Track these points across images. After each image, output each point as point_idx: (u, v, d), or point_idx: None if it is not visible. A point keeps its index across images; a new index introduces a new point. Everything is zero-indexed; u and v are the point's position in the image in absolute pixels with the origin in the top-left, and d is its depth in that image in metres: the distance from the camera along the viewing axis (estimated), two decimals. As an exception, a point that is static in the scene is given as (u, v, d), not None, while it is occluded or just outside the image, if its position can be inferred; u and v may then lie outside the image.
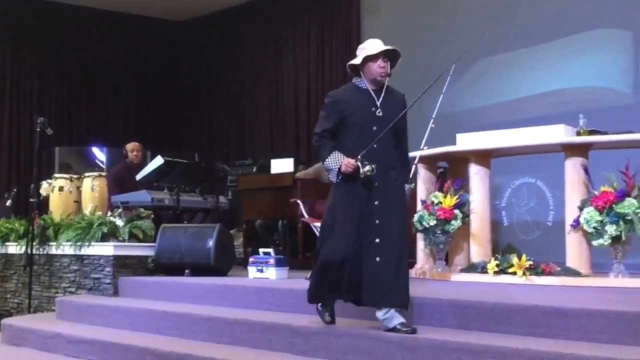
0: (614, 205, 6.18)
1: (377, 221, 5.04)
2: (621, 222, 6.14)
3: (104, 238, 8.11)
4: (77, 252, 8.31)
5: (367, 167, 4.94)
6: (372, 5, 12.38)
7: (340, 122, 5.17)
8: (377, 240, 5.02)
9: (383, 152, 5.10)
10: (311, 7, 13.19)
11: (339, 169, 5.07)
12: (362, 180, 4.99)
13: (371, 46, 5.25)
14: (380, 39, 12.73)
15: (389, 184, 5.13)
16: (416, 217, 7.28)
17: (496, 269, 6.70)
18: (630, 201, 6.15)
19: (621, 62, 9.48)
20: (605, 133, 6.74)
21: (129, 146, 9.91)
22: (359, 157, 4.96)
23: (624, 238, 6.21)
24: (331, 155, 5.12)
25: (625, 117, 8.20)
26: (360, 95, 5.23)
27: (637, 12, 9.33)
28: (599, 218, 6.25)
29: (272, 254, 7.67)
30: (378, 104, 5.18)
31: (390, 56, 5.25)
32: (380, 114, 5.15)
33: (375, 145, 5.00)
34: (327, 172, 5.23)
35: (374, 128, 5.10)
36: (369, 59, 5.19)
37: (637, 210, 6.11)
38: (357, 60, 5.23)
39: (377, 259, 4.99)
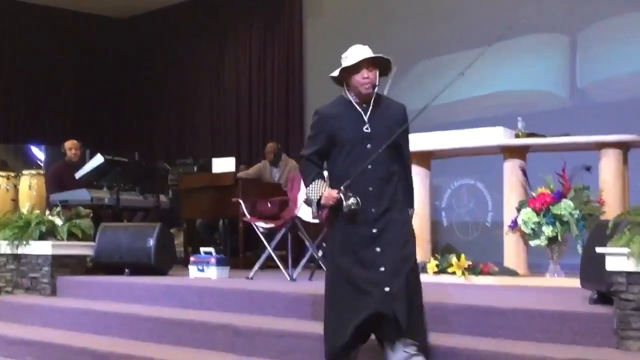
0: (550, 207, 6.31)
1: (382, 269, 4.35)
2: (557, 223, 6.28)
3: (42, 237, 7.96)
4: (14, 251, 8.14)
5: (352, 200, 4.33)
6: (314, 7, 12.41)
7: (330, 141, 4.55)
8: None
9: (379, 177, 4.47)
10: (254, 7, 13.18)
11: (319, 200, 4.49)
12: (346, 214, 4.38)
13: (352, 55, 4.54)
14: (322, 40, 12.82)
15: (389, 220, 4.45)
16: (358, 217, 7.34)
17: (436, 269, 6.79)
18: (566, 203, 6.28)
19: (558, 66, 9.67)
20: (543, 136, 6.87)
21: (68, 144, 9.79)
22: (341, 187, 4.37)
23: (560, 239, 6.35)
24: (313, 183, 4.54)
25: (562, 120, 8.37)
26: (348, 109, 4.58)
27: (573, 18, 9.51)
28: (536, 219, 6.37)
29: (213, 253, 7.67)
30: (366, 119, 4.52)
31: (377, 64, 4.58)
32: (369, 130, 4.49)
33: (370, 167, 4.40)
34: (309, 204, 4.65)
35: (368, 146, 4.46)
36: (350, 70, 4.53)
37: (573, 212, 6.24)
38: (335, 73, 4.61)
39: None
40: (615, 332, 4.34)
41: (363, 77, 4.50)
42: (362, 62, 4.50)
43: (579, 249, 5.97)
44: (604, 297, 4.68)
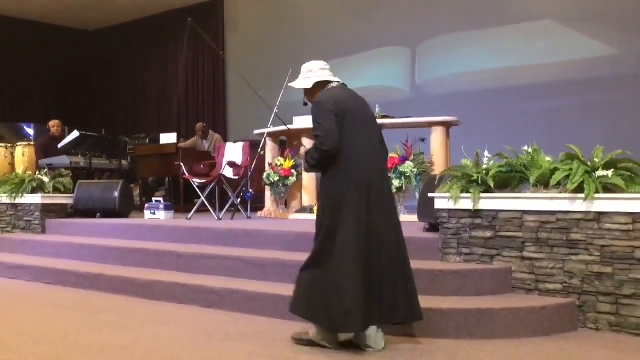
0: (398, 166, 6.43)
1: None
2: (403, 178, 6.41)
3: (33, 191, 7.75)
4: (13, 202, 7.89)
5: None
6: (232, 23, 12.30)
7: None
8: None
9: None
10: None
11: None
12: None
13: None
14: (239, 50, 12.59)
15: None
16: (265, 174, 7.38)
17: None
18: (408, 164, 6.42)
19: (403, 69, 9.88)
20: (393, 117, 7.00)
21: (51, 123, 9.51)
22: None
23: (404, 188, 6.48)
24: None
25: (406, 107, 8.53)
26: None
27: (413, 35, 9.71)
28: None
29: (162, 201, 7.59)
30: None
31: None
32: None
33: None
34: None
35: None
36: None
37: (413, 170, 6.38)
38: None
39: None
40: (440, 250, 4.54)
41: None
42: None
43: (417, 195, 6.15)
44: (433, 227, 4.85)
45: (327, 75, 3.72)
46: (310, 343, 3.58)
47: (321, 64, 3.75)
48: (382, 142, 3.72)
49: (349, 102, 3.57)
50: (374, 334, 3.49)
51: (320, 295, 3.41)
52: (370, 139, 3.57)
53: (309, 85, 3.72)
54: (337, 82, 3.72)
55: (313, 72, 3.73)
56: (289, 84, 3.79)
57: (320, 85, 3.70)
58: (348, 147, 3.47)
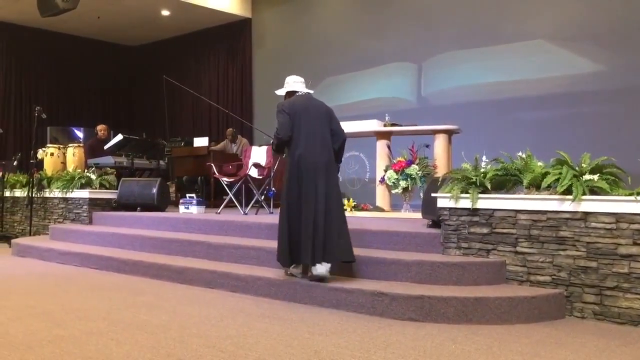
0: (404, 169, 6.43)
1: None
2: (408, 179, 6.41)
3: (82, 187, 7.82)
4: (64, 196, 7.98)
5: None
6: (259, 41, 12.30)
7: None
8: None
9: None
10: (220, 40, 13.00)
11: None
12: None
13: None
14: (265, 64, 12.60)
15: None
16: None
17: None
18: (414, 167, 6.41)
19: (410, 83, 9.81)
20: (400, 125, 6.98)
21: (99, 127, 9.59)
22: None
23: (410, 189, 6.48)
24: None
25: (412, 116, 8.49)
26: None
27: (419, 53, 9.66)
28: (396, 176, 6.50)
29: (194, 197, 7.61)
30: None
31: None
32: None
33: None
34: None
35: None
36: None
37: (418, 172, 6.38)
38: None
39: None
40: (441, 244, 4.50)
41: None
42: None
43: (421, 195, 6.12)
44: (435, 224, 4.82)
45: (295, 87, 4.54)
46: (290, 276, 4.47)
47: (296, 78, 4.57)
48: (336, 130, 4.45)
49: (301, 105, 4.36)
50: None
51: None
52: (315, 130, 4.32)
53: (283, 93, 4.61)
54: (302, 92, 4.52)
55: (289, 84, 4.57)
56: (275, 91, 4.69)
57: (290, 93, 4.55)
58: (296, 136, 4.31)
